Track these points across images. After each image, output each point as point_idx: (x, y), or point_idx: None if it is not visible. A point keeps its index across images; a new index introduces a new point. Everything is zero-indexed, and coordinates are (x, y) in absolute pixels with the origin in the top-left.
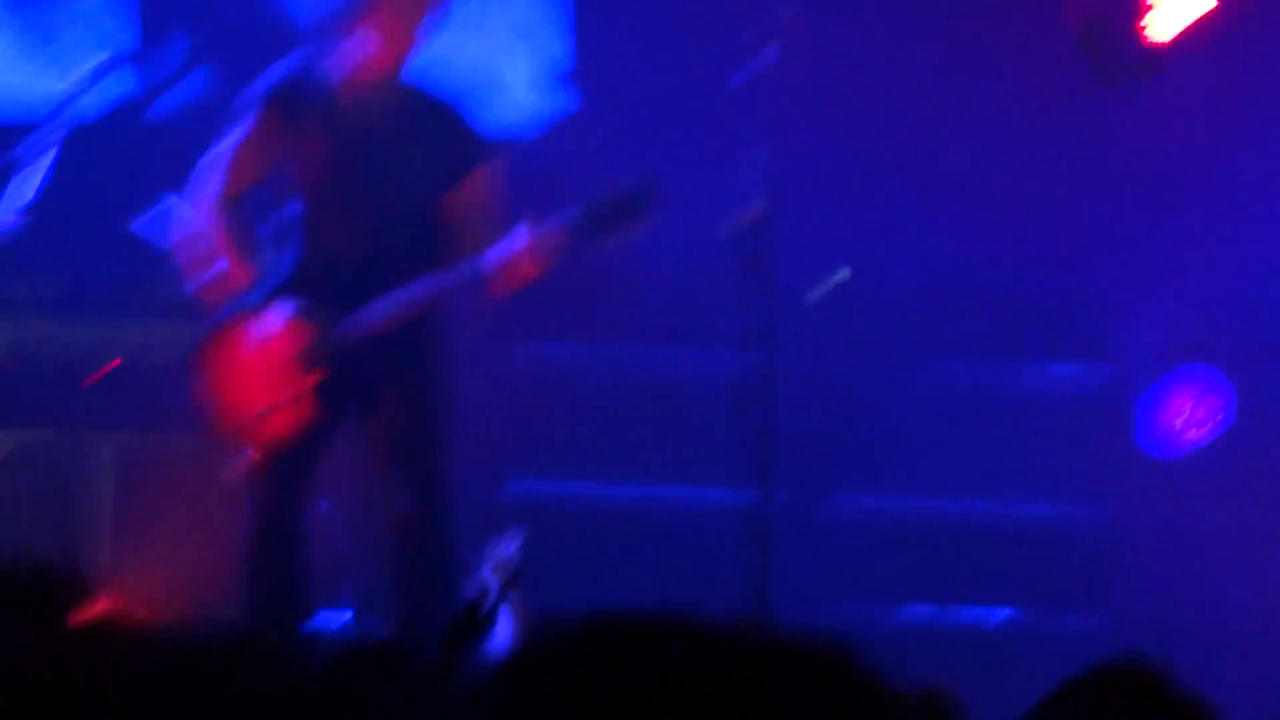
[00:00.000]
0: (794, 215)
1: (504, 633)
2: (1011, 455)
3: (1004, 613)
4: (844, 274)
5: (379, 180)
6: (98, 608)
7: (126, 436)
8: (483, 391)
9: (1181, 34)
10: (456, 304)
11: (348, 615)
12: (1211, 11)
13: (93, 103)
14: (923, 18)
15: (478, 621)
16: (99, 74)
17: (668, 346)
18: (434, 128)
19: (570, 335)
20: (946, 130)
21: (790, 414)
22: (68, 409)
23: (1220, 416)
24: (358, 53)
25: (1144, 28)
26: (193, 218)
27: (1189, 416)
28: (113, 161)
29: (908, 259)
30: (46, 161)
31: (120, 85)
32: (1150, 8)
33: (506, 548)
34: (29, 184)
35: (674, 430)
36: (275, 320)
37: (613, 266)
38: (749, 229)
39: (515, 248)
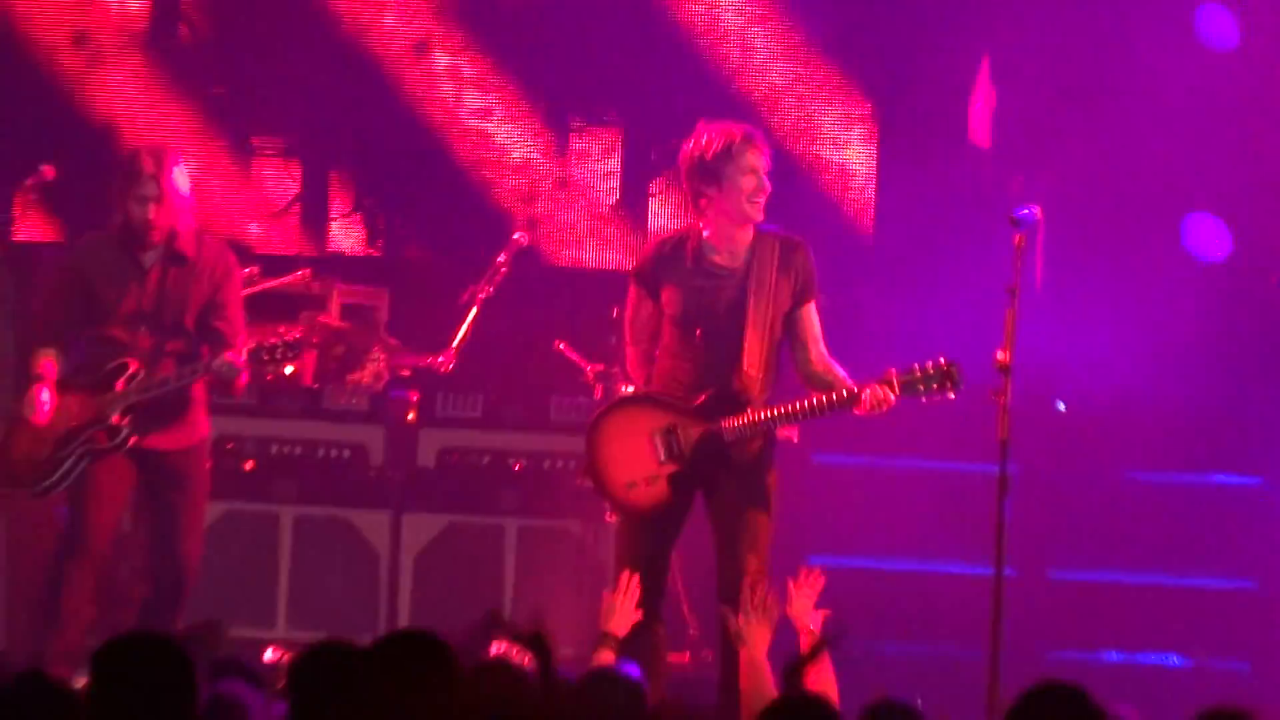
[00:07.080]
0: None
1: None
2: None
3: (1175, 658)
4: (1060, 406)
5: (727, 318)
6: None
7: (528, 521)
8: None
9: None
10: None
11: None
12: None
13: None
14: None
15: (807, 658)
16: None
17: (929, 459)
18: (780, 264)
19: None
20: None
21: (1020, 509)
22: (486, 500)
23: None
24: (707, 228)
25: None
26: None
27: None
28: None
29: None
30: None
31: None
32: None
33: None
34: None
35: (929, 520)
36: (647, 418)
37: None
38: None
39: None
